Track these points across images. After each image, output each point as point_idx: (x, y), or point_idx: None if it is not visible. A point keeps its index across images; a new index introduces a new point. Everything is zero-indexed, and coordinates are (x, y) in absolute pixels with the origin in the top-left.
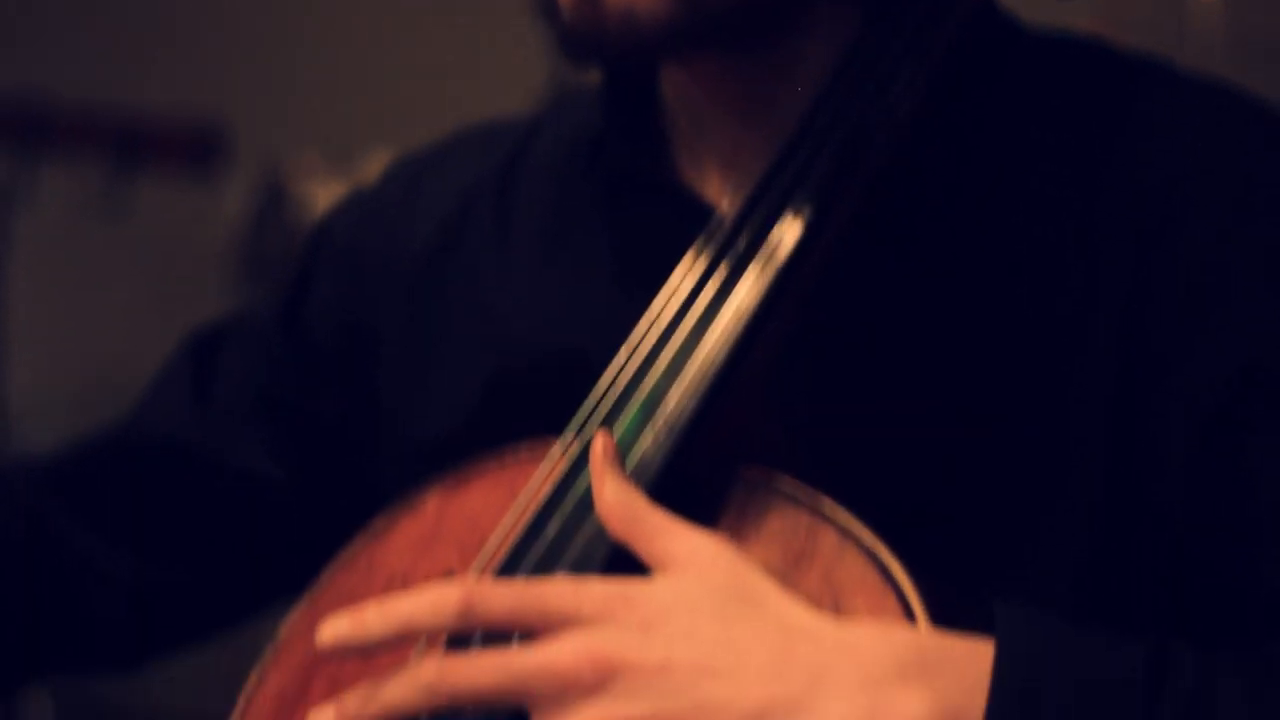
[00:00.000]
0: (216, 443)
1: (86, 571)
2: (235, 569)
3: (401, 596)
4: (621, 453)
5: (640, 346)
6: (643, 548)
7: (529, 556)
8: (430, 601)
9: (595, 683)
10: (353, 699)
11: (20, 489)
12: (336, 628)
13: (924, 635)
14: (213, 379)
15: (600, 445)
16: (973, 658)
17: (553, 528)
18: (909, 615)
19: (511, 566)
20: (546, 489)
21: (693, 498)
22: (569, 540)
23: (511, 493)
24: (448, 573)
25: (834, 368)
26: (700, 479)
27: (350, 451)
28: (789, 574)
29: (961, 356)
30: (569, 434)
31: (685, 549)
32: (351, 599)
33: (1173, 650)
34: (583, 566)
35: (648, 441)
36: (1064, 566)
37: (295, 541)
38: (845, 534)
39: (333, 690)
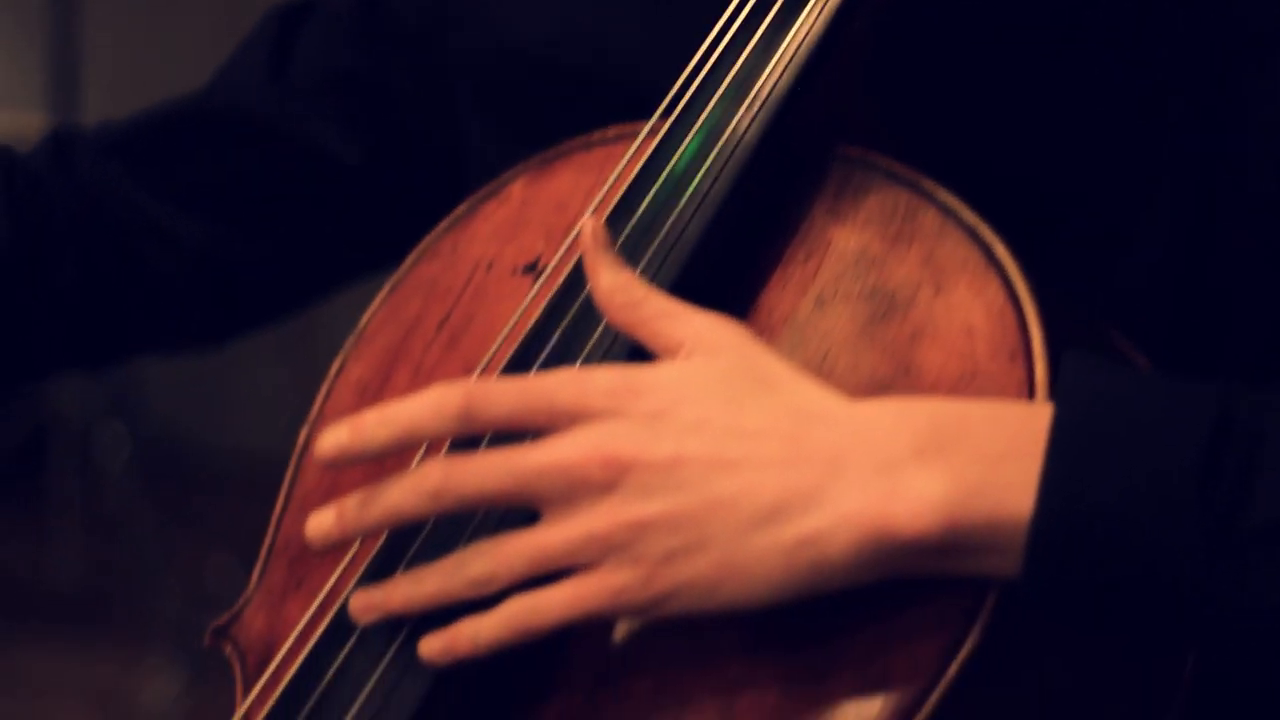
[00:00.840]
0: (289, 119)
1: (153, 233)
2: (304, 245)
3: (401, 401)
4: (715, 133)
5: (730, 28)
6: (646, 334)
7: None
8: (431, 404)
9: (605, 481)
10: (352, 503)
11: (87, 150)
12: (336, 436)
13: (942, 406)
14: (290, 55)
15: (590, 230)
16: (995, 424)
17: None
18: (1013, 300)
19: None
20: (635, 169)
21: (789, 174)
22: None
23: (599, 176)
24: (536, 258)
25: (933, 50)
26: (796, 156)
27: (423, 140)
28: (887, 255)
29: (1056, 40)
30: (656, 116)
31: (691, 332)
32: (434, 287)
33: (1237, 409)
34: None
35: (741, 118)
36: (1159, 260)
37: (366, 228)
38: (947, 213)
39: (416, 381)
